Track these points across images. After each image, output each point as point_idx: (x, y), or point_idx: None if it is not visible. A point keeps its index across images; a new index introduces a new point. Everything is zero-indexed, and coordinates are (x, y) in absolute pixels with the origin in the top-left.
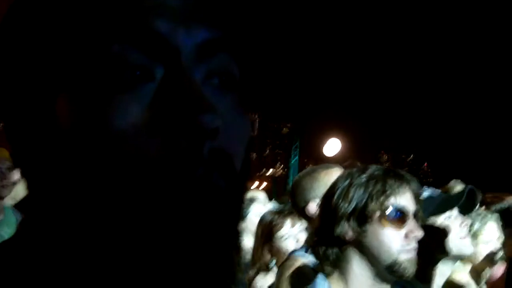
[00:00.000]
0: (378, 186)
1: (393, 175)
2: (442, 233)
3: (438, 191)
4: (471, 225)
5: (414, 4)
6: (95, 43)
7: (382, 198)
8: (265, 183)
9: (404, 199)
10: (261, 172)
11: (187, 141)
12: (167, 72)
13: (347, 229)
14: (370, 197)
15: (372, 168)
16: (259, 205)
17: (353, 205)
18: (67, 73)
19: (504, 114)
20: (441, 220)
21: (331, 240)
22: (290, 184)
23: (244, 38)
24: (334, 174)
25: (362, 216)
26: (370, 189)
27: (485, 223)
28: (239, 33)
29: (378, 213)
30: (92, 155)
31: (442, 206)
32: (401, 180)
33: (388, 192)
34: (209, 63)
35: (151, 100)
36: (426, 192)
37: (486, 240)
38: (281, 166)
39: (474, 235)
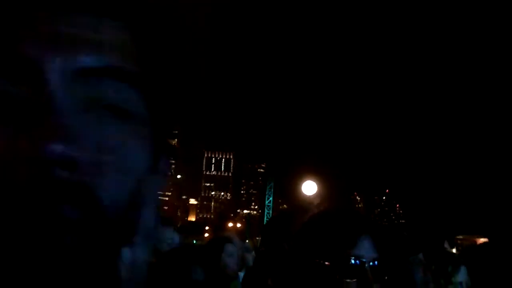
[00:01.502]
0: (339, 237)
1: (352, 222)
2: (407, 276)
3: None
4: (445, 268)
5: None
6: None
7: (341, 249)
8: (239, 224)
9: (362, 249)
10: (236, 213)
11: (36, 169)
12: (32, 97)
13: None
14: (332, 250)
15: (335, 215)
16: (232, 245)
17: (314, 257)
18: None
19: (474, 157)
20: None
21: None
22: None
23: (147, 69)
24: (309, 216)
25: (324, 269)
26: (331, 240)
27: (458, 266)
28: (135, 64)
29: (339, 266)
30: None
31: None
32: (360, 227)
33: (346, 243)
34: (91, 90)
35: (12, 126)
36: None
37: (456, 283)
38: (256, 207)
39: (446, 277)
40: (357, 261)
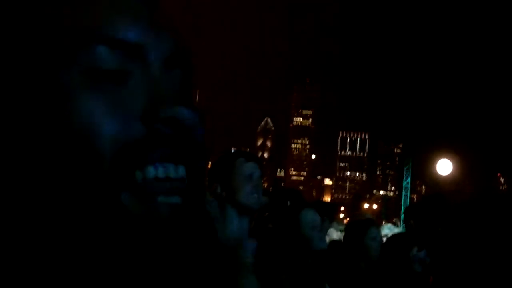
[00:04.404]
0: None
1: None
2: None
3: None
4: None
5: None
6: (81, 42)
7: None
8: (375, 205)
9: None
10: (371, 194)
11: (163, 127)
12: (138, 77)
13: None
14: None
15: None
16: (375, 228)
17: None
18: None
19: None
20: None
21: None
22: (403, 206)
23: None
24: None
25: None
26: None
27: None
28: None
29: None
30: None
31: None
32: None
33: None
34: (175, 72)
35: (121, 101)
36: None
37: None
38: (392, 188)
39: None
40: None
